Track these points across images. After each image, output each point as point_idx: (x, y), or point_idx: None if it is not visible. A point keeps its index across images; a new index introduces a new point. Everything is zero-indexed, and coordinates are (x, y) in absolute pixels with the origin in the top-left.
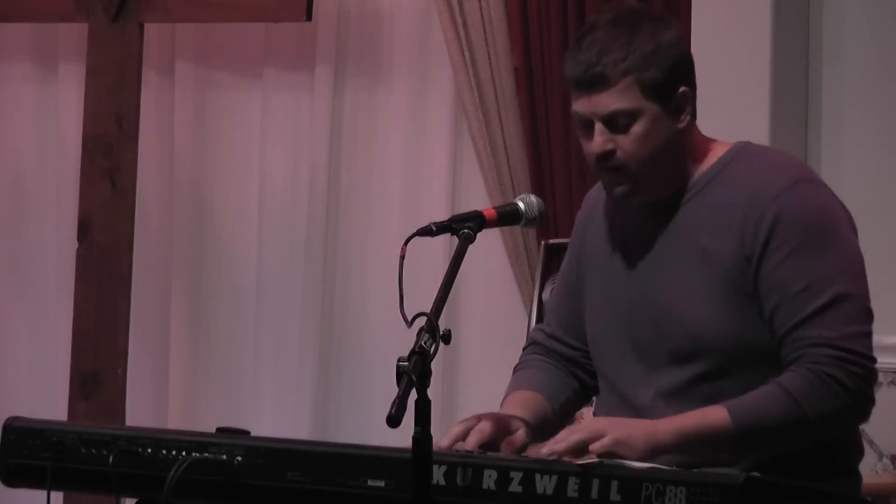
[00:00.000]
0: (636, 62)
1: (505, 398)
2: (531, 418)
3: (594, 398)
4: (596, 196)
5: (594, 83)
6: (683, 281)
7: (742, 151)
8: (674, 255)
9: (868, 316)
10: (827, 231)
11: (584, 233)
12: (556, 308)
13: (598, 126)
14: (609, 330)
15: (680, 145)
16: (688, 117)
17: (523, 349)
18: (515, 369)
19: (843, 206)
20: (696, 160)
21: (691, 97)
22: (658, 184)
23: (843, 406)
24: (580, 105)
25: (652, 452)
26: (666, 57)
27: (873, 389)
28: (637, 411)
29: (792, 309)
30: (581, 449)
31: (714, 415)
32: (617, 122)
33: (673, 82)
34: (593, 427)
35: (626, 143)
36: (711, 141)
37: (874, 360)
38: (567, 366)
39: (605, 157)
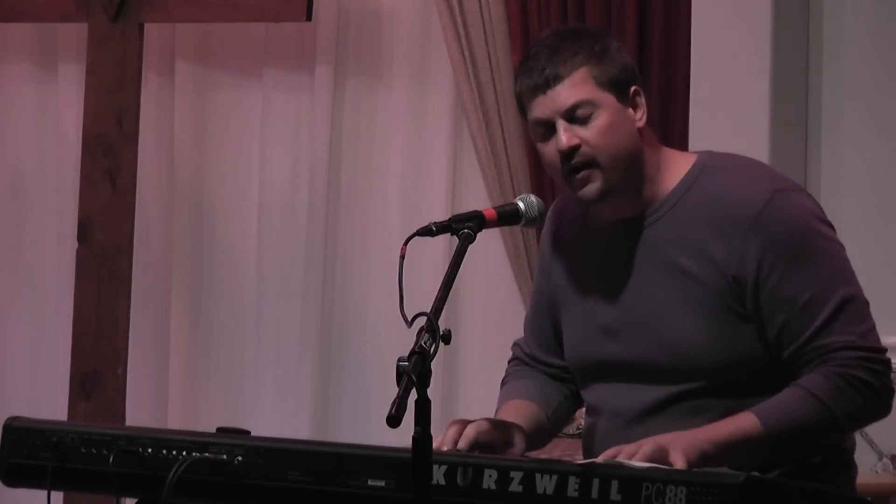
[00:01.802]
0: (587, 57)
1: (497, 410)
2: (526, 426)
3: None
4: (560, 214)
5: (549, 81)
6: (666, 300)
7: (708, 165)
8: (652, 275)
9: (869, 307)
10: (813, 237)
11: (552, 254)
12: (531, 329)
13: (561, 123)
14: (588, 350)
15: (641, 147)
16: (644, 117)
17: (508, 362)
18: (503, 382)
19: (815, 203)
20: (660, 172)
21: (645, 99)
22: (627, 186)
23: (869, 404)
24: (538, 108)
25: (699, 458)
26: (614, 56)
27: (891, 380)
28: (623, 425)
29: (802, 322)
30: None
31: (746, 422)
32: (578, 116)
33: (625, 80)
34: (630, 448)
35: (590, 136)
36: (671, 152)
37: (886, 350)
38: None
39: (572, 152)
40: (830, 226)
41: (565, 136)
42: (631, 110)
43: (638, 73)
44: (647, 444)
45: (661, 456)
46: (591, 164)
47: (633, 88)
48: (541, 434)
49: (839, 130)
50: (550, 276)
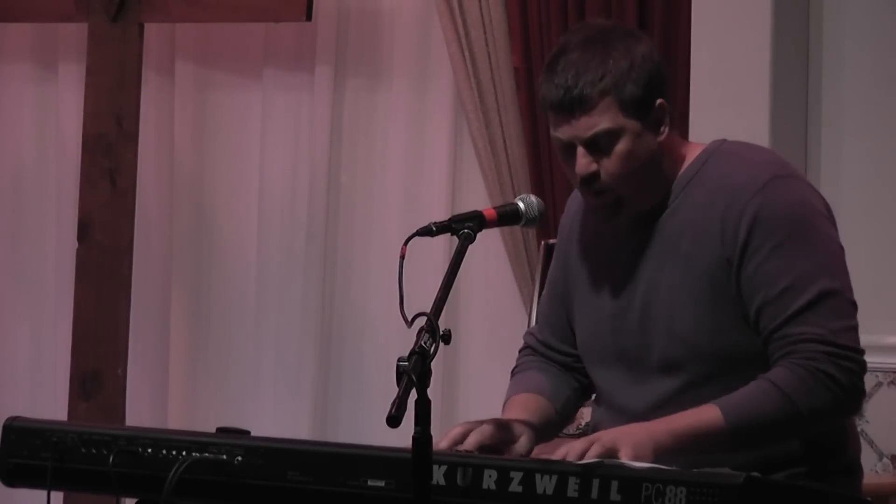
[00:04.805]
0: (614, 81)
1: (506, 402)
2: (534, 421)
3: (593, 394)
4: (578, 203)
5: (574, 107)
6: (668, 289)
7: (716, 152)
8: (657, 264)
9: (853, 308)
10: (806, 226)
11: (568, 241)
12: (545, 314)
13: (580, 150)
14: (596, 339)
15: (660, 157)
16: (667, 129)
17: (519, 351)
18: (513, 372)
19: (820, 198)
20: (674, 167)
21: (668, 108)
22: (640, 197)
23: (836, 401)
24: (560, 129)
25: (653, 453)
26: (641, 72)
27: (863, 382)
28: (631, 419)
29: (778, 307)
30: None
31: (707, 414)
32: (599, 143)
33: (650, 97)
34: (580, 447)
35: (608, 164)
36: (687, 144)
37: (863, 353)
38: (562, 369)
39: (590, 179)
40: (830, 220)
41: (583, 162)
42: (653, 131)
43: (664, 77)
44: (596, 446)
45: (610, 455)
46: (606, 190)
47: (658, 103)
48: (549, 427)
49: (839, 130)
50: (566, 264)
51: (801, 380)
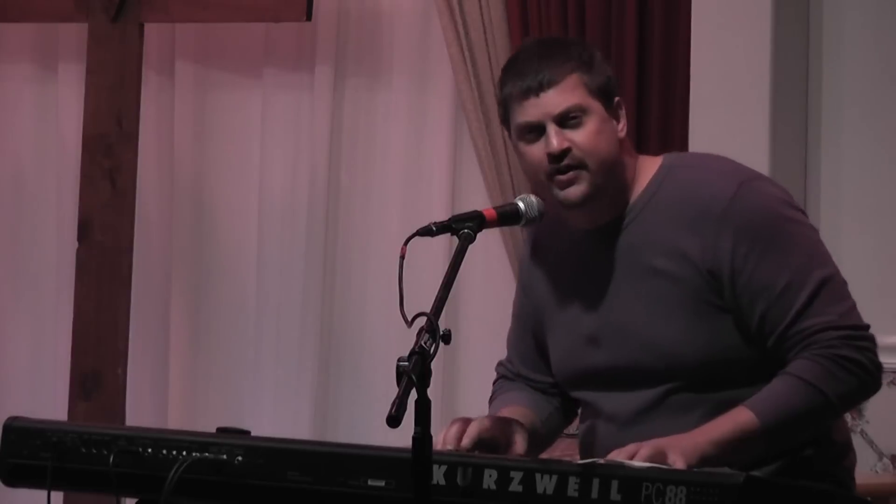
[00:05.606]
0: (578, 64)
1: None
2: (526, 427)
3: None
4: (537, 231)
5: (543, 85)
6: (644, 303)
7: (673, 166)
8: (629, 279)
9: (847, 286)
10: (783, 222)
11: (531, 271)
12: (515, 346)
13: (552, 127)
14: (574, 360)
15: (622, 157)
16: (625, 129)
17: (493, 382)
18: (491, 399)
19: (783, 189)
20: (634, 180)
21: (624, 110)
22: (607, 192)
23: (860, 382)
24: (528, 111)
25: (699, 461)
26: (601, 66)
27: (877, 356)
28: (619, 427)
29: (782, 308)
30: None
31: (741, 417)
32: (569, 120)
33: (611, 88)
34: (630, 449)
35: (580, 139)
36: (643, 158)
37: (869, 327)
38: (539, 392)
39: (563, 155)
40: (801, 210)
41: (556, 139)
42: (614, 121)
43: (617, 80)
44: (646, 448)
45: (659, 459)
46: (579, 166)
47: (616, 99)
48: (536, 438)
49: (839, 131)
50: (532, 293)
51: (825, 368)
